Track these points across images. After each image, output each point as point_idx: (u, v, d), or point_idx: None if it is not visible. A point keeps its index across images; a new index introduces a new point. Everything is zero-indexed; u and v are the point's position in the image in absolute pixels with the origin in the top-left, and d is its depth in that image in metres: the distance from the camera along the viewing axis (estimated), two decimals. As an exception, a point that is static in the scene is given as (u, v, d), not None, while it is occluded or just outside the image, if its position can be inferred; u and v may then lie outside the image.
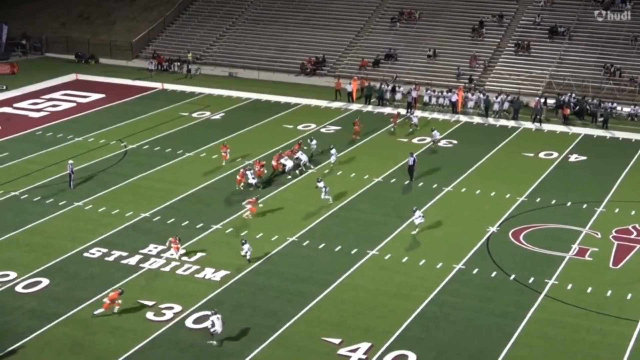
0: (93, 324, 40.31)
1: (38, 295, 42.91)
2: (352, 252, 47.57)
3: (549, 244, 48.71)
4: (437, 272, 45.38)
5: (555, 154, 64.54)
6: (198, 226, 50.63)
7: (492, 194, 56.21)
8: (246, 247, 46.10)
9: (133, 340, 38.83)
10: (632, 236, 50.00)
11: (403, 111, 73.89)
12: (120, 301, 40.69)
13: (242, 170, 56.51)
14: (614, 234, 50.29)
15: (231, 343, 38.56)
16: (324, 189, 53.25)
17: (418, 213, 49.71)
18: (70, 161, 57.36)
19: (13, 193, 55.55)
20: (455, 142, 67.34)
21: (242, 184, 55.79)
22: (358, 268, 46.06)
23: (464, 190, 56.93)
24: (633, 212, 53.13)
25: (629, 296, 43.05)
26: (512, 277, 45.00)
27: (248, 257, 46.01)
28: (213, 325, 38.14)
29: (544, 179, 59.47)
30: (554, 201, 55.06)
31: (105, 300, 40.78)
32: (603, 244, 49.08)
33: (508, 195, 55.76)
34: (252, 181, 55.58)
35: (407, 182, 57.71)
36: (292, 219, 51.80)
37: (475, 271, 45.62)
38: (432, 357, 37.71)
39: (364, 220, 52.11)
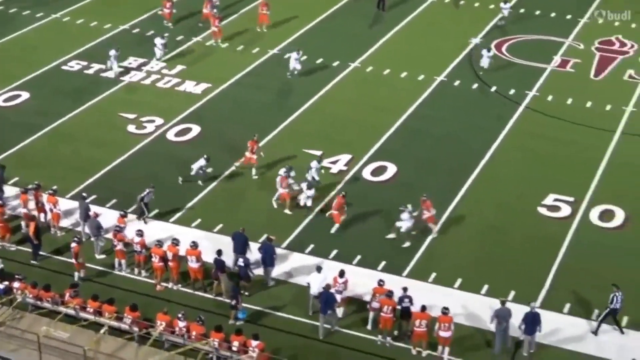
0: (75, 136, 40.52)
1: (18, 109, 42.85)
2: (334, 64, 47.28)
3: (531, 56, 48.49)
4: (419, 84, 45.32)
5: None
6: (178, 38, 50.05)
7: (476, 4, 55.44)
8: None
9: (115, 152, 39.11)
10: (615, 47, 49.75)
11: None
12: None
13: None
14: (597, 45, 50.02)
15: (214, 156, 38.83)
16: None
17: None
18: None
19: (-12, 4, 54.60)
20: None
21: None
22: (340, 80, 45.95)
23: (447, 0, 56.10)
24: (617, 23, 52.65)
25: (608, 107, 43.28)
26: (494, 88, 45.04)
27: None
28: None
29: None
30: (538, 12, 54.41)
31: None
32: (585, 55, 48.90)
33: (492, 6, 54.94)
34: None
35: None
36: (274, 31, 51.15)
37: (456, 83, 45.60)
38: (411, 168, 38.17)
39: (347, 32, 51.50)
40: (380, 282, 29.40)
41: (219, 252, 30.52)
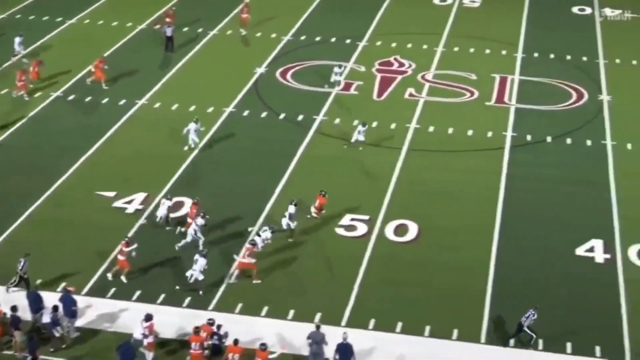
0: None
1: None
2: (120, 103, 46.67)
3: (316, 81, 49.62)
4: (209, 116, 45.37)
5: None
6: (-46, 87, 48.14)
7: (258, 34, 56.21)
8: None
9: None
10: (394, 67, 51.72)
11: None
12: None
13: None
14: (377, 66, 51.82)
15: (5, 204, 37.48)
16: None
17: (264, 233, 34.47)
18: None
19: None
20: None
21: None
22: (128, 119, 45.39)
23: (229, 32, 56.58)
24: (394, 44, 54.74)
25: (393, 126, 44.87)
26: (282, 116, 45.74)
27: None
28: None
29: (309, 14, 59.82)
30: (318, 38, 55.78)
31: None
32: (367, 77, 50.55)
33: (273, 35, 55.94)
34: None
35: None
36: (57, 71, 49.84)
37: (245, 113, 46.02)
38: (208, 199, 37.94)
39: (131, 69, 50.93)
40: (210, 321, 29.18)
41: (14, 308, 29.34)
